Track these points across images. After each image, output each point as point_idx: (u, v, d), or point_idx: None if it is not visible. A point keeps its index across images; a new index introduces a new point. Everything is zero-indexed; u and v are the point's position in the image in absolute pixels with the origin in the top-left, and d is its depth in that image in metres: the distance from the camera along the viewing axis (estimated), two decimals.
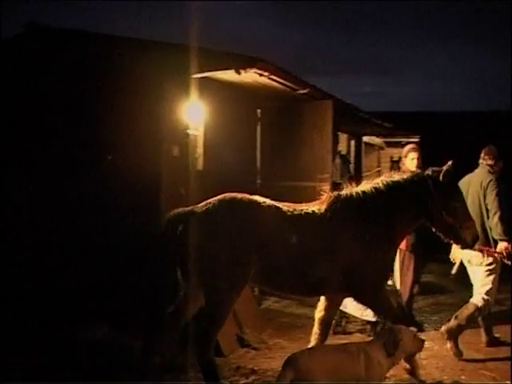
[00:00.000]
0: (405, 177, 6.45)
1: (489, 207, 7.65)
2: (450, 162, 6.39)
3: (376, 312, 6.62)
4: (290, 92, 10.28)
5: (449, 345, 7.61)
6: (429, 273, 12.26)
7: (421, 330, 8.25)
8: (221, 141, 9.91)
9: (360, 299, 6.51)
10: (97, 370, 6.67)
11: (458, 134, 18.87)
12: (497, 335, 8.12)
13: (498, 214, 7.58)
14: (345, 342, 6.53)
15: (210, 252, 5.77)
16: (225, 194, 6.06)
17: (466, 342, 8.01)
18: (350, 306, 8.29)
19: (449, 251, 7.82)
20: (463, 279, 8.13)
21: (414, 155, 8.81)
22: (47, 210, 8.93)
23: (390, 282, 8.41)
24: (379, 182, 6.39)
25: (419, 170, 6.58)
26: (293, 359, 5.25)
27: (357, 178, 7.68)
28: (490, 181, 7.76)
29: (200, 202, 6.08)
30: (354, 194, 6.32)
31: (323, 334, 6.62)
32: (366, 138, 20.77)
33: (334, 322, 8.58)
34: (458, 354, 7.55)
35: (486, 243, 7.57)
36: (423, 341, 5.75)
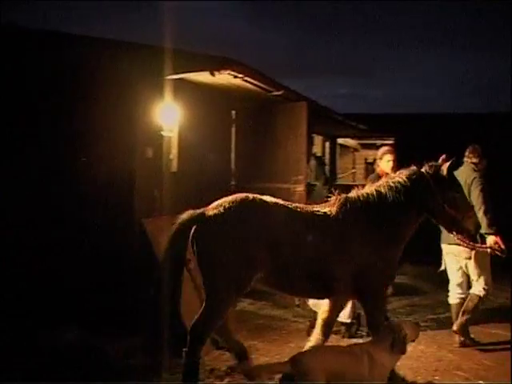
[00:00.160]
0: (404, 177, 6.46)
1: (474, 203, 7.77)
2: (453, 159, 6.51)
3: (373, 311, 6.53)
4: (265, 94, 10.28)
5: (460, 339, 7.97)
6: (402, 274, 12.30)
7: None
8: (195, 142, 9.88)
9: (364, 299, 6.41)
10: (71, 372, 6.61)
11: (433, 135, 18.99)
12: (471, 336, 8.17)
13: (482, 209, 7.72)
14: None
15: (222, 254, 5.72)
16: (236, 195, 5.99)
17: (440, 343, 8.05)
18: None
19: (422, 253, 7.89)
20: (437, 280, 8.17)
21: (389, 157, 8.83)
22: (16, 209, 8.83)
23: None
24: (382, 184, 6.44)
25: (414, 168, 6.57)
26: (297, 360, 5.24)
27: (332, 180, 7.70)
28: (475, 178, 7.94)
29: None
30: (362, 196, 6.35)
31: (325, 335, 6.62)
32: (340, 140, 20.86)
33: (308, 324, 8.66)
34: (473, 342, 7.97)
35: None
36: (419, 326, 5.83)
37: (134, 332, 7.50)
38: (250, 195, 5.99)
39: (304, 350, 6.11)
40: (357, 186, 6.72)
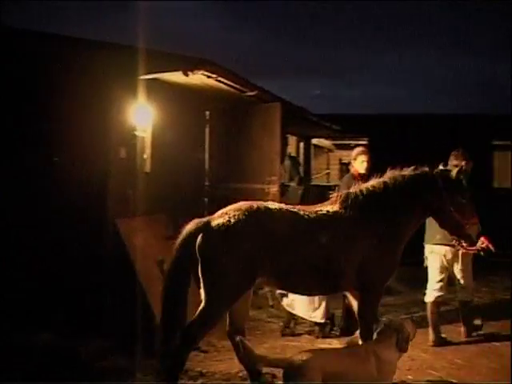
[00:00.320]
0: (413, 174, 6.49)
1: None
2: (463, 162, 6.65)
3: (367, 307, 6.51)
4: (239, 94, 10.28)
5: (437, 336, 8.14)
6: None
7: None
8: (169, 143, 9.84)
9: (365, 295, 6.39)
10: (44, 373, 6.55)
11: (407, 136, 19.06)
12: (443, 335, 8.22)
13: None
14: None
15: (226, 263, 5.74)
16: (240, 204, 6.02)
17: (413, 343, 8.06)
18: (298, 307, 8.32)
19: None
20: (411, 281, 8.21)
21: (363, 158, 8.82)
22: None
23: None
24: (388, 178, 6.45)
25: (424, 168, 6.59)
26: (295, 359, 5.20)
27: (306, 180, 7.70)
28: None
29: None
30: (364, 190, 6.38)
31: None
32: (315, 141, 20.94)
33: (282, 324, 8.67)
34: (445, 342, 8.18)
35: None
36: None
37: (108, 333, 7.47)
38: (255, 204, 6.03)
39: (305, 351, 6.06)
40: (331, 186, 6.73)
